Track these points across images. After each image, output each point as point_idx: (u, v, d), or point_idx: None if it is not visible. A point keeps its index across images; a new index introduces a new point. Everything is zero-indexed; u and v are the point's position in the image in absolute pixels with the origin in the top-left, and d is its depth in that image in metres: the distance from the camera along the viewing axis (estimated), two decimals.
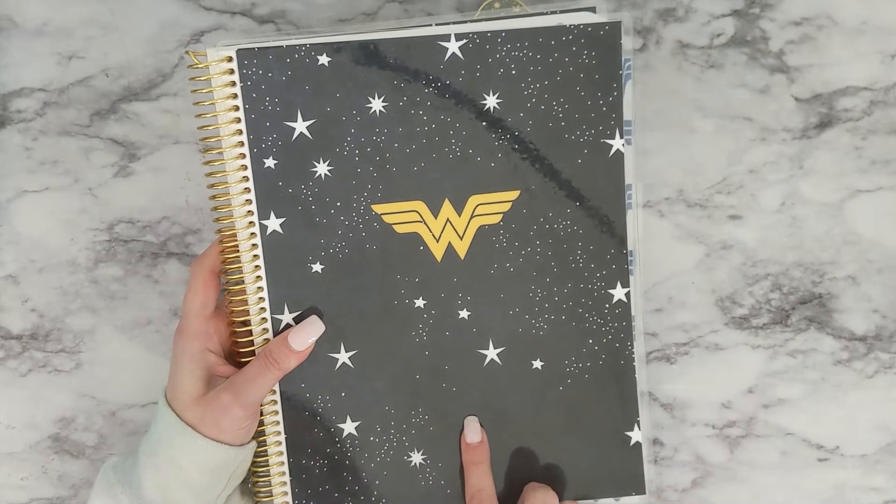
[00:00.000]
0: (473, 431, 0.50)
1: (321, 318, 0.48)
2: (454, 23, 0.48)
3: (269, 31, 0.55)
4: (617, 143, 0.48)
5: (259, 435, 0.49)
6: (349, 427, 0.49)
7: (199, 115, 0.46)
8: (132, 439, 0.56)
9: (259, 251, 0.47)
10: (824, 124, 0.55)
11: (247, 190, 0.47)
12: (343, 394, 0.49)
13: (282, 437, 0.49)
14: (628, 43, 0.55)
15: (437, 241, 0.49)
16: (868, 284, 0.56)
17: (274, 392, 0.49)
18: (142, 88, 0.56)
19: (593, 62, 0.48)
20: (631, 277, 0.50)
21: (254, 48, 0.46)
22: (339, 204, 0.48)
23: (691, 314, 0.56)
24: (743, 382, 0.56)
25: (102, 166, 0.56)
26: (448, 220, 0.49)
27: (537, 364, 0.50)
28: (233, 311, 0.48)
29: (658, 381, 0.56)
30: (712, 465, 0.57)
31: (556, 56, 0.47)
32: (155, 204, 0.56)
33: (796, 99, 0.55)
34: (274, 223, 0.47)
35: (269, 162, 0.47)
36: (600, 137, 0.48)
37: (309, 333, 0.48)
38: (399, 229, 0.48)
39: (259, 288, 0.48)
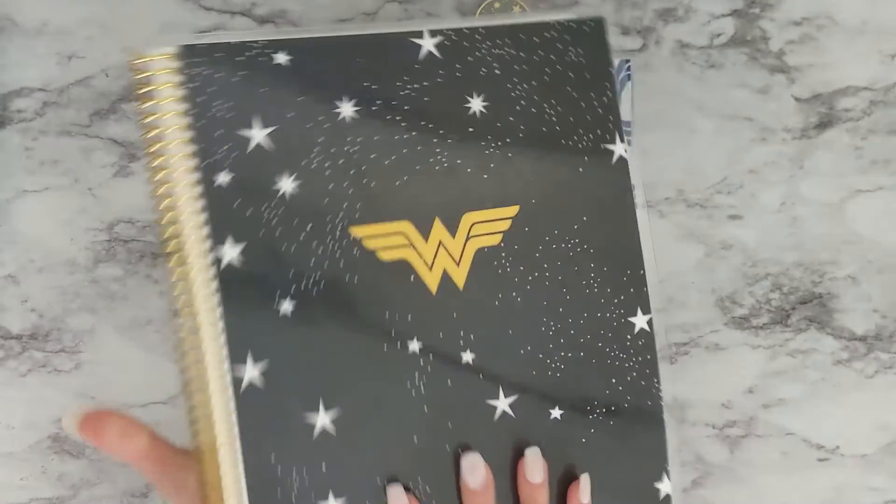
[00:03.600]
0: (473, 474, 0.41)
1: (292, 374, 0.40)
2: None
3: (270, 31, 0.55)
4: (619, 149, 0.44)
5: None
6: None
7: (143, 124, 0.39)
8: None
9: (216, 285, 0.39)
10: (824, 124, 0.55)
11: (200, 211, 0.39)
12: (323, 466, 0.40)
13: None
14: (628, 43, 0.55)
15: (431, 268, 0.42)
16: (868, 284, 0.56)
17: (236, 465, 0.39)
18: None
19: (581, 60, 0.43)
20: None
21: (197, 44, 0.39)
22: (309, 227, 0.40)
23: (691, 314, 0.56)
24: (743, 382, 0.56)
25: (102, 166, 0.56)
26: (441, 242, 0.42)
27: (556, 413, 0.43)
28: (184, 370, 0.40)
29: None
30: (712, 465, 0.57)
31: (542, 54, 0.43)
32: None
33: (796, 99, 0.55)
34: (231, 251, 0.39)
35: (223, 177, 0.39)
36: (600, 142, 0.44)
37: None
38: (384, 256, 0.41)
39: (221, 330, 0.39)
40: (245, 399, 0.38)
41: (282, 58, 0.40)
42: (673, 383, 0.56)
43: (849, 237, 0.56)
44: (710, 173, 0.56)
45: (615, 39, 0.56)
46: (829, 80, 0.55)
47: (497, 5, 0.55)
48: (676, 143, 0.55)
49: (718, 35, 0.55)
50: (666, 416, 0.45)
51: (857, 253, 0.56)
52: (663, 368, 0.57)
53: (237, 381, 0.38)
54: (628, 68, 0.51)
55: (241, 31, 0.47)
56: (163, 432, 0.56)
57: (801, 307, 0.56)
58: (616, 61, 0.48)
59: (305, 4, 0.55)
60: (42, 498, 0.57)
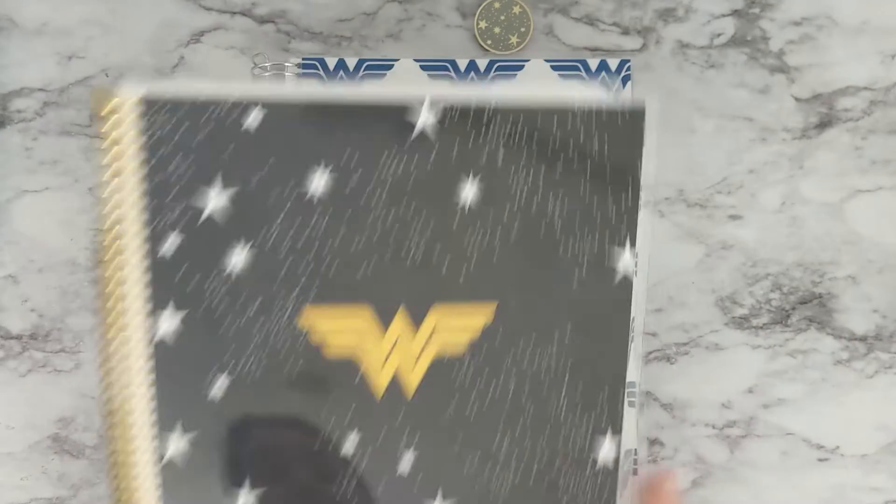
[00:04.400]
0: None
1: (220, 451, 0.38)
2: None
3: (270, 31, 0.55)
4: (625, 265, 0.39)
5: None
6: None
7: (102, 167, 0.37)
8: None
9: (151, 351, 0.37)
10: (824, 124, 0.55)
11: (144, 274, 0.37)
12: None
13: None
14: (628, 43, 0.55)
15: (382, 367, 0.39)
16: (868, 284, 0.56)
17: None
18: None
19: (605, 151, 0.38)
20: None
21: (162, 98, 0.36)
22: (258, 304, 0.37)
23: (691, 314, 0.56)
24: (743, 382, 0.56)
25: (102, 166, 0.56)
26: (398, 340, 0.38)
27: None
28: (112, 436, 0.38)
29: (658, 381, 0.56)
30: (712, 465, 0.57)
31: (559, 140, 0.38)
32: None
33: (796, 99, 0.55)
34: (170, 321, 0.37)
35: (171, 241, 0.36)
36: (604, 255, 0.39)
37: None
38: (330, 353, 0.38)
39: (152, 397, 0.37)
40: (167, 473, 0.38)
41: (254, 118, 0.36)
42: (673, 383, 0.56)
43: (849, 237, 0.56)
44: (710, 173, 0.56)
45: (615, 39, 0.56)
46: (829, 80, 0.55)
47: (497, 5, 0.55)
48: (676, 143, 0.55)
49: (718, 35, 0.55)
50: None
51: (857, 253, 0.56)
52: (663, 368, 0.57)
53: (162, 457, 0.37)
54: (627, 69, 0.51)
55: (215, 83, 0.38)
56: None
57: (801, 307, 0.56)
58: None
59: (305, 4, 0.55)
60: (42, 498, 0.56)
